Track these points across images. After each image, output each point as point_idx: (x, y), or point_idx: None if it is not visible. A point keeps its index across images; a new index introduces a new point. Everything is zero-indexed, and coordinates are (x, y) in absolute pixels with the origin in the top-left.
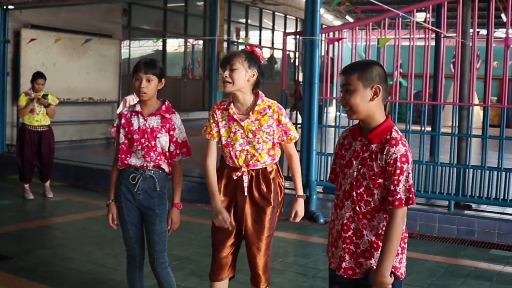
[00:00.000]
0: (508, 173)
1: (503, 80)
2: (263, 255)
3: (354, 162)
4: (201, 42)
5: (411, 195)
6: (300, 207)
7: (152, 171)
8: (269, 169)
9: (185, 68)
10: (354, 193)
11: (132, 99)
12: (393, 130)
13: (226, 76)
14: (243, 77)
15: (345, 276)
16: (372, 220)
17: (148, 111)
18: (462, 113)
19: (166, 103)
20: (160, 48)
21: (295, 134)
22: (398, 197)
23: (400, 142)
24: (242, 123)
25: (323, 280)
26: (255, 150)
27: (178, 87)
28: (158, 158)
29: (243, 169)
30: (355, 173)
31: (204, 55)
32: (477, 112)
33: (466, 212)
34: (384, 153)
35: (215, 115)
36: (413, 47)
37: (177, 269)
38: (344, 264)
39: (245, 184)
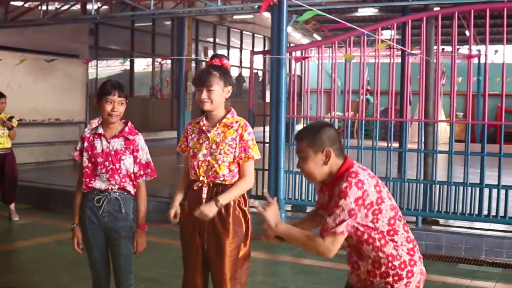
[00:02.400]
0: (473, 188)
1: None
2: (227, 277)
3: (321, 211)
4: (169, 61)
5: (332, 224)
6: (206, 208)
7: (117, 193)
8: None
9: (153, 87)
10: None
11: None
12: (346, 173)
13: (204, 98)
14: (220, 96)
15: None
16: (360, 250)
17: (111, 133)
18: (428, 129)
19: (129, 124)
20: (128, 67)
21: (255, 154)
22: (324, 225)
23: (345, 178)
24: (209, 134)
25: None
26: (215, 161)
27: (147, 106)
28: (123, 180)
29: (201, 178)
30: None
31: (172, 74)
32: (444, 128)
33: (434, 227)
34: (334, 193)
35: (186, 131)
36: (379, 64)
37: None
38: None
39: (204, 196)
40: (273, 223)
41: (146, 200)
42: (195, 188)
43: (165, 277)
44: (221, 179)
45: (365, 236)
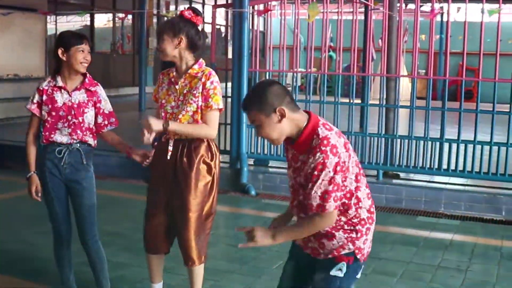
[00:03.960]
0: (434, 142)
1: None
2: (190, 233)
3: (290, 171)
4: (130, 16)
5: (321, 202)
6: (153, 122)
7: (78, 145)
8: (195, 144)
9: (114, 43)
10: (295, 202)
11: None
12: (314, 136)
13: (158, 47)
14: (170, 46)
15: (311, 255)
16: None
17: (72, 85)
18: (389, 84)
19: (88, 75)
20: (88, 23)
21: (214, 104)
22: (309, 202)
23: (319, 148)
24: (176, 86)
25: (254, 251)
26: (180, 112)
27: (108, 62)
28: (85, 133)
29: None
30: (291, 182)
31: (133, 30)
32: (406, 86)
33: (394, 181)
34: (308, 162)
35: (159, 80)
36: (341, 20)
37: (108, 245)
38: (310, 244)
39: (170, 148)
40: (270, 242)
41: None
42: (163, 140)
43: (128, 230)
44: None
45: None
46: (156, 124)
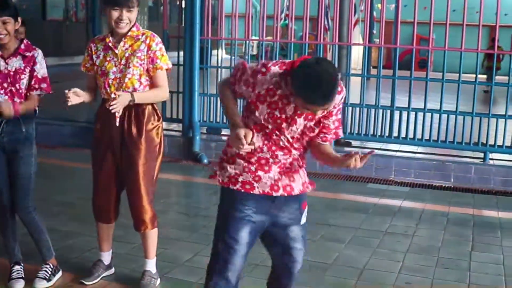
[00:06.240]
0: (384, 111)
1: (389, 22)
2: (144, 198)
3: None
4: None
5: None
6: (122, 97)
7: None
8: (141, 108)
9: (68, 10)
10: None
11: None
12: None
13: (123, 19)
14: (136, 15)
15: (286, 194)
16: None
17: (8, 52)
18: (341, 52)
19: (25, 41)
20: None
21: (163, 64)
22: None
23: None
24: (116, 51)
25: (204, 219)
26: (125, 76)
27: (60, 30)
28: (24, 101)
29: (113, 95)
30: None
31: None
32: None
33: (346, 148)
34: None
35: (89, 49)
36: None
37: (57, 215)
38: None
39: (117, 114)
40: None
41: (33, 108)
42: (107, 107)
43: (78, 200)
44: None
45: None
46: (124, 100)
